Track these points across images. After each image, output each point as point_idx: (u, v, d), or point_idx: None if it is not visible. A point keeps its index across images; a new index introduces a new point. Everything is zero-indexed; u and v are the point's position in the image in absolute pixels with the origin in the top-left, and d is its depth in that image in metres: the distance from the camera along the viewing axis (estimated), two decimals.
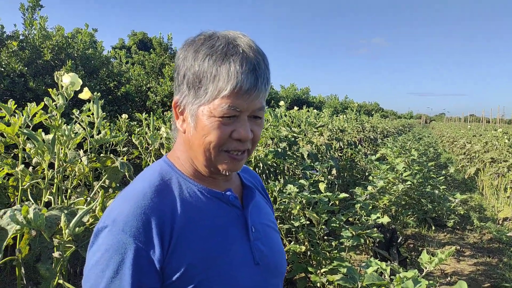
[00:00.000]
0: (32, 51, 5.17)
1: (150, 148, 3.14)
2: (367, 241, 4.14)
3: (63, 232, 1.28)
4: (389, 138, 10.00)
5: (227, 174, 0.88)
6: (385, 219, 3.03)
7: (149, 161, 3.15)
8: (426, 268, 2.02)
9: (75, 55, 5.41)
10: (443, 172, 6.04)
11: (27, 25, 5.51)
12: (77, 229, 1.27)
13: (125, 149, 3.94)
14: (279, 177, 3.69)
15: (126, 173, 1.94)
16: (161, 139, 2.42)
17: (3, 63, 4.91)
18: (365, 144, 9.28)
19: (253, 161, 3.37)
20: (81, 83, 1.88)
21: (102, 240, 0.77)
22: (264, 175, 3.52)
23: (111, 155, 2.09)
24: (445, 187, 5.85)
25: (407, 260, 3.64)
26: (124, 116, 4.10)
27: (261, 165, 3.42)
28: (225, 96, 0.80)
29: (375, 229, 2.97)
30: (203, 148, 0.83)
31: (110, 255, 0.75)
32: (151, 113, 7.28)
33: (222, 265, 0.85)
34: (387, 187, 4.34)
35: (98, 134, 1.85)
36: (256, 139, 0.88)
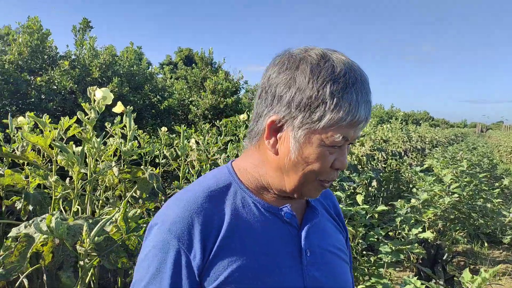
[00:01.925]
0: (82, 69, 5.51)
1: (188, 160, 3.21)
2: (411, 258, 3.91)
3: (85, 241, 1.32)
4: (437, 149, 9.49)
5: (305, 199, 0.89)
6: (428, 234, 2.85)
7: (186, 171, 3.21)
8: (468, 287, 1.85)
9: (121, 72, 5.69)
10: (497, 184, 5.59)
11: (77, 45, 5.90)
12: (96, 238, 1.30)
13: (163, 161, 4.07)
14: None
15: (155, 184, 1.98)
16: (191, 150, 2.46)
17: (56, 81, 5.29)
18: (411, 154, 8.87)
19: None
20: (112, 97, 1.95)
21: (152, 237, 0.81)
22: None
23: (144, 167, 2.15)
24: (500, 200, 5.41)
25: (455, 278, 3.38)
26: (164, 129, 4.23)
27: None
28: (342, 127, 0.76)
29: (416, 244, 2.79)
30: (300, 175, 0.80)
31: (155, 252, 0.78)
32: (193, 125, 7.48)
33: (263, 286, 0.79)
34: (433, 200, 4.09)
35: (124, 147, 1.91)
36: (345, 167, 0.86)
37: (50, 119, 1.68)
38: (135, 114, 2.19)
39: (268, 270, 0.80)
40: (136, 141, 3.60)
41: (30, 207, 2.40)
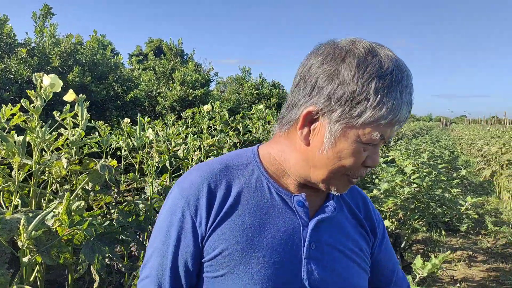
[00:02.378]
0: (41, 58, 5.27)
1: (152, 152, 3.13)
2: None
3: (21, 235, 1.26)
4: (402, 141, 9.77)
5: (332, 192, 0.86)
6: (386, 223, 2.92)
7: (151, 164, 3.13)
8: (419, 274, 1.91)
9: (83, 61, 5.49)
10: (455, 174, 5.84)
11: (37, 33, 5.63)
12: (34, 232, 1.24)
13: (125, 153, 3.96)
14: None
15: (106, 176, 1.91)
16: (152, 143, 2.41)
17: (12, 69, 5.03)
18: None
19: None
20: (61, 84, 1.87)
21: (168, 200, 0.86)
22: None
23: (93, 158, 2.07)
24: (459, 190, 5.64)
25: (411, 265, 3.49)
26: (126, 120, 4.11)
27: None
28: (381, 125, 0.75)
29: None
30: (330, 169, 0.79)
31: (168, 214, 0.83)
32: (160, 117, 7.33)
33: (253, 266, 0.78)
34: (394, 190, 4.20)
35: (82, 137, 1.84)
36: (376, 164, 0.84)
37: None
38: (88, 104, 2.11)
39: (268, 253, 0.79)
40: (97, 133, 3.49)
41: None
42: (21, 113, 1.78)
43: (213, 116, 3.69)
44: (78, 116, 2.08)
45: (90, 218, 1.47)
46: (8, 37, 5.62)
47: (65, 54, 5.41)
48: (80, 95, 2.11)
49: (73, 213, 1.41)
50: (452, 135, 29.59)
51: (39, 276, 1.65)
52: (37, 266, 1.63)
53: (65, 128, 2.14)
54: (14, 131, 1.60)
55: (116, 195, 1.93)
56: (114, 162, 2.30)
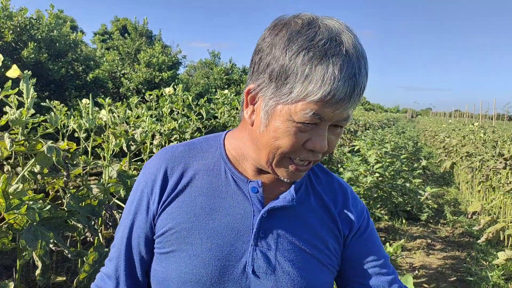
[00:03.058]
0: None
1: (108, 134, 2.98)
2: None
3: None
4: (368, 131, 9.97)
5: (291, 181, 0.82)
6: None
7: (106, 148, 2.99)
8: None
9: (39, 37, 5.15)
10: (416, 165, 6.02)
11: None
12: None
13: (84, 135, 3.77)
14: None
15: (54, 158, 1.78)
16: (101, 123, 2.28)
17: None
18: (345, 136, 9.22)
19: None
20: (2, 59, 1.72)
21: (135, 181, 0.90)
22: None
23: (40, 139, 1.93)
24: (420, 180, 5.81)
25: None
26: (85, 101, 3.90)
27: None
28: (312, 102, 0.67)
29: None
30: (268, 150, 0.75)
31: (132, 193, 0.88)
32: (124, 99, 7.07)
33: (198, 247, 0.79)
34: (358, 179, 4.26)
35: (13, 116, 1.69)
36: (330, 150, 0.75)
37: None
38: (33, 80, 1.94)
39: (212, 236, 0.79)
40: (52, 113, 3.28)
41: None
42: None
43: (176, 99, 3.56)
44: (23, 93, 1.93)
45: (31, 202, 1.34)
46: None
47: (18, 29, 5.06)
48: (26, 71, 1.95)
49: (11, 196, 1.29)
50: (417, 127, 30.64)
51: None
52: None
53: (10, 107, 1.98)
54: None
55: (65, 178, 1.80)
56: (72, 144, 2.15)
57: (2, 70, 4.69)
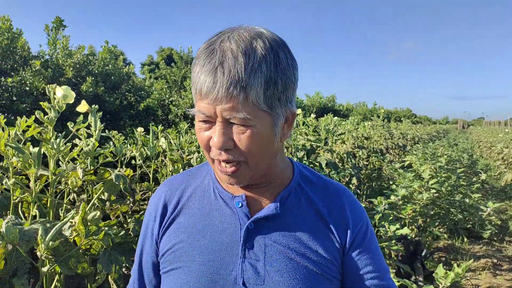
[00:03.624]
0: (55, 69, 5.35)
1: (165, 160, 3.12)
2: (392, 255, 3.91)
3: (40, 246, 1.24)
4: (418, 145, 9.61)
5: (233, 185, 0.86)
6: (405, 230, 2.83)
7: (165, 173, 3.12)
8: (442, 283, 1.83)
9: (96, 71, 5.55)
10: (474, 179, 5.68)
11: (50, 45, 5.73)
12: (51, 243, 1.22)
13: (140, 162, 3.96)
14: None
15: (121, 186, 1.90)
16: (162, 149, 2.39)
17: (28, 82, 5.11)
18: (393, 151, 8.94)
19: None
20: (74, 95, 1.87)
21: None
22: None
23: (108, 168, 2.06)
24: (480, 195, 5.48)
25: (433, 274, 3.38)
26: (140, 129, 4.13)
27: None
28: (197, 100, 0.77)
29: (394, 241, 2.78)
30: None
31: (143, 221, 0.98)
32: (173, 125, 7.36)
33: (197, 264, 0.84)
34: (412, 196, 4.10)
35: (96, 147, 1.83)
36: (246, 149, 0.77)
37: (5, 119, 1.59)
38: (101, 114, 2.10)
39: (204, 253, 0.84)
40: (111, 142, 3.50)
41: None
42: (36, 125, 1.78)
43: None
44: (91, 126, 2.08)
45: (106, 228, 1.44)
46: (23, 50, 5.73)
47: (78, 65, 5.49)
48: (93, 106, 2.11)
49: (89, 223, 1.39)
50: (471, 138, 29.00)
51: (59, 285, 1.63)
52: (57, 275, 1.61)
53: (80, 139, 2.14)
54: (30, 143, 1.60)
55: (131, 204, 1.91)
56: (129, 171, 2.28)
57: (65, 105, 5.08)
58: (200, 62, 0.74)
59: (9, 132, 1.62)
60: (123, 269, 1.54)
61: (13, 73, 5.30)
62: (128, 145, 3.67)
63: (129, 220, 2.02)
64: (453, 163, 6.73)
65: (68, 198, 2.02)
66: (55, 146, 1.60)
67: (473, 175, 9.38)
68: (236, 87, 0.71)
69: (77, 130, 2.08)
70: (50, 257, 1.34)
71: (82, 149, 2.01)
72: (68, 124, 1.84)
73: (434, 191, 3.99)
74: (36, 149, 1.53)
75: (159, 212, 0.93)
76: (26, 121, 1.70)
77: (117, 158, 3.59)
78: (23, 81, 5.08)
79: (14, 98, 4.91)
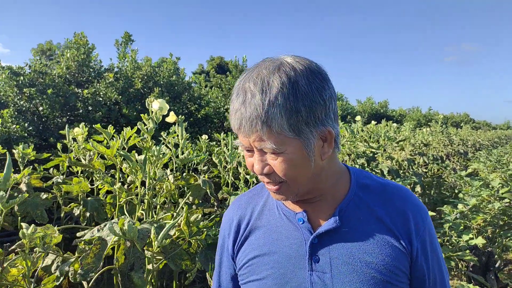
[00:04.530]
0: (125, 81, 5.76)
1: (228, 167, 3.28)
2: (460, 265, 3.78)
3: (153, 243, 1.40)
4: (481, 152, 9.11)
5: (283, 201, 0.94)
6: (479, 240, 2.75)
7: (227, 179, 3.28)
8: None
9: (161, 82, 5.90)
10: None
11: (120, 58, 6.18)
12: (164, 241, 1.38)
13: (205, 168, 4.17)
14: None
15: (208, 190, 2.05)
16: (238, 157, 2.52)
17: (101, 93, 5.55)
18: (453, 158, 8.57)
19: None
20: (168, 107, 2.05)
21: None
22: None
23: (193, 174, 2.23)
24: None
25: (508, 287, 3.23)
26: (204, 137, 4.34)
27: None
28: (236, 134, 0.86)
29: (467, 251, 2.71)
30: None
31: (219, 235, 1.08)
32: (229, 133, 7.59)
33: (270, 279, 0.91)
34: (481, 206, 3.94)
35: (182, 154, 1.99)
36: (281, 174, 0.83)
37: (114, 129, 1.79)
38: (186, 123, 2.28)
39: (275, 267, 0.90)
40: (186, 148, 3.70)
41: (88, 213, 2.54)
42: (136, 135, 1.99)
43: None
44: (178, 135, 2.26)
45: (205, 230, 1.58)
46: (96, 64, 6.23)
47: (145, 77, 5.87)
48: (180, 117, 2.29)
49: (191, 224, 1.54)
50: None
51: (153, 281, 1.80)
52: (154, 272, 1.78)
53: (167, 147, 2.33)
54: (134, 151, 1.79)
55: (216, 208, 2.06)
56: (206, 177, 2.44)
57: (135, 114, 5.45)
58: (232, 101, 0.83)
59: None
60: None
61: (87, 85, 5.79)
62: (199, 153, 3.87)
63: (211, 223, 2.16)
64: None
65: (158, 201, 2.21)
66: (155, 154, 1.78)
67: None
68: (257, 122, 0.78)
69: (164, 139, 2.27)
70: (159, 255, 1.49)
71: (171, 156, 2.19)
72: (162, 133, 2.03)
73: (505, 200, 3.81)
74: (142, 156, 1.71)
75: (232, 231, 1.01)
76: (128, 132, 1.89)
77: (186, 165, 3.80)
78: (97, 93, 5.52)
79: (90, 108, 5.36)
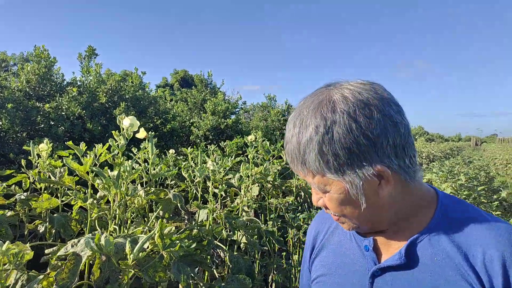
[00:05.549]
0: (89, 95, 5.68)
1: (196, 181, 3.34)
2: None
3: (128, 257, 1.45)
4: (435, 163, 9.66)
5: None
6: None
7: (196, 192, 3.34)
8: None
9: (127, 97, 5.87)
10: (495, 196, 5.76)
11: (84, 72, 6.09)
12: (140, 254, 1.43)
13: (172, 182, 4.19)
14: None
15: (178, 204, 2.11)
16: (207, 171, 2.60)
17: (64, 107, 5.44)
18: None
19: (294, 190, 3.46)
20: (139, 124, 2.11)
21: None
22: (306, 204, 3.59)
23: (163, 188, 2.28)
24: (500, 212, 5.53)
25: None
26: (172, 151, 4.37)
27: (302, 193, 3.50)
28: None
29: None
30: None
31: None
32: (195, 146, 7.62)
33: None
34: None
35: (154, 170, 2.05)
36: (332, 210, 0.84)
37: (86, 146, 1.82)
38: (156, 140, 2.34)
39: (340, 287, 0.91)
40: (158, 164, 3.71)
41: (53, 230, 2.51)
42: (107, 151, 2.02)
43: (256, 145, 3.89)
44: (148, 151, 2.31)
45: (177, 242, 1.65)
46: (58, 77, 6.10)
47: (110, 91, 5.81)
48: (150, 133, 2.35)
49: (165, 237, 1.60)
50: (485, 155, 28.71)
51: None
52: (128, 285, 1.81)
53: (137, 162, 2.37)
54: (107, 167, 1.83)
55: (186, 221, 2.12)
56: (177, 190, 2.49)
57: (99, 128, 5.38)
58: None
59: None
60: (189, 280, 1.73)
61: (49, 99, 5.65)
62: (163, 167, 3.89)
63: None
64: (471, 181, 6.80)
65: (129, 216, 2.24)
66: (128, 169, 1.83)
67: (490, 192, 9.37)
68: (296, 164, 0.80)
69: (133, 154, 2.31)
70: (134, 267, 1.54)
71: (142, 172, 2.23)
72: (133, 149, 2.07)
73: None
74: (115, 172, 1.75)
75: (310, 243, 1.06)
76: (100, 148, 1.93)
77: (153, 180, 3.80)
78: (59, 107, 5.40)
79: (52, 123, 5.23)
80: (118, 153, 1.95)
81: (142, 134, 2.35)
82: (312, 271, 1.03)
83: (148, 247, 1.63)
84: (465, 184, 4.96)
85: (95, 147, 1.87)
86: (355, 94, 0.75)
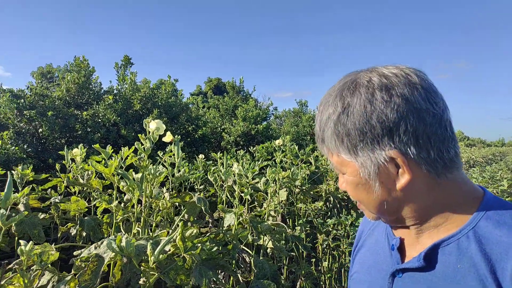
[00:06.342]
0: (124, 102, 5.87)
1: (224, 186, 3.34)
2: None
3: (149, 259, 1.45)
4: (475, 169, 9.19)
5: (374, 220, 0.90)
6: None
7: (223, 197, 3.34)
8: None
9: (160, 104, 6.01)
10: None
11: (120, 81, 6.31)
12: (160, 256, 1.43)
13: (201, 187, 4.23)
14: (352, 211, 3.64)
15: (203, 207, 2.11)
16: (234, 176, 2.60)
17: (100, 114, 5.65)
18: None
19: (323, 195, 3.39)
20: (165, 127, 2.13)
21: None
22: (335, 209, 3.51)
23: (189, 192, 2.29)
24: None
25: None
26: (201, 156, 4.42)
27: (332, 199, 3.42)
28: None
29: None
30: None
31: None
32: (225, 152, 7.68)
33: None
34: None
35: (178, 173, 2.06)
36: (349, 193, 0.85)
37: (112, 150, 1.87)
38: (182, 143, 2.35)
39: (365, 287, 0.92)
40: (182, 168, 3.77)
41: (84, 233, 2.59)
42: (133, 154, 2.06)
43: (285, 149, 3.85)
44: (175, 154, 2.34)
45: (199, 244, 1.64)
46: (96, 86, 6.36)
47: (144, 98, 5.99)
48: (176, 136, 2.37)
49: (186, 240, 1.59)
50: None
51: None
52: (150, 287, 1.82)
53: (164, 166, 2.40)
54: (132, 170, 1.86)
55: (211, 225, 2.11)
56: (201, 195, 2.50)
57: (133, 134, 5.54)
58: None
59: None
60: (211, 284, 1.71)
61: (87, 107, 5.89)
62: (195, 171, 3.94)
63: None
64: None
65: (154, 219, 2.26)
66: (152, 172, 1.85)
67: None
68: (319, 141, 0.84)
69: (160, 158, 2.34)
70: (154, 270, 1.54)
71: (167, 175, 2.26)
72: (159, 152, 2.10)
73: None
74: (139, 175, 1.78)
75: (356, 241, 1.09)
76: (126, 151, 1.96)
77: (183, 184, 3.85)
78: (96, 114, 5.62)
79: (89, 129, 5.45)
80: (144, 156, 1.98)
81: (168, 137, 2.38)
82: (351, 267, 1.04)
83: (169, 249, 1.63)
84: (508, 190, 4.66)
85: (121, 150, 1.91)
86: (382, 78, 0.74)
